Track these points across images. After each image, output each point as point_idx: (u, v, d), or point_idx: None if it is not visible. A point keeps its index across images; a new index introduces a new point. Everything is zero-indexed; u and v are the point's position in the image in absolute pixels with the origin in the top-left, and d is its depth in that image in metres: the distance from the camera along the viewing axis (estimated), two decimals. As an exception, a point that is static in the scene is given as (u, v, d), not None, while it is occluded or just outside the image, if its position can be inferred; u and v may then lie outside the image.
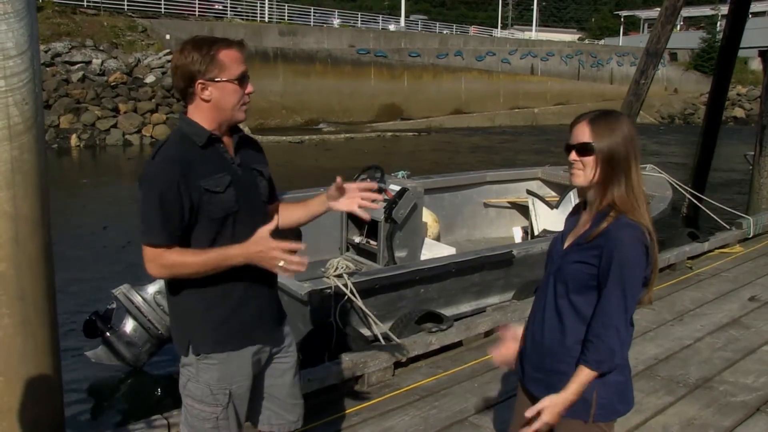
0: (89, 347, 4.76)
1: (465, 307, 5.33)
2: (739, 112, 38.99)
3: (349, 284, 4.36)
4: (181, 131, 2.05)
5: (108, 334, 4.66)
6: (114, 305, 4.71)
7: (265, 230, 1.94)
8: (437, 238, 6.61)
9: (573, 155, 1.93)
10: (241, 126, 2.17)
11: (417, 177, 6.88)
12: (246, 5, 31.32)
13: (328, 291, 4.34)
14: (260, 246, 1.94)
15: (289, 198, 4.77)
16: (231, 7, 30.81)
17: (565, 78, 38.65)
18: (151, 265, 1.97)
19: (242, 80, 2.02)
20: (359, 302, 4.37)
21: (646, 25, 57.20)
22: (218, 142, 2.05)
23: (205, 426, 2.08)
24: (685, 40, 44.48)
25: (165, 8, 27.78)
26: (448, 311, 5.05)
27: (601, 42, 53.26)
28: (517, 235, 7.62)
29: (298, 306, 4.24)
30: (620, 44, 49.95)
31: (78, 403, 4.73)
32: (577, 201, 2.12)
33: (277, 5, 32.59)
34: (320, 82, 28.13)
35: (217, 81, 1.98)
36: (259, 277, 2.02)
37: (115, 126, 20.44)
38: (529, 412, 1.90)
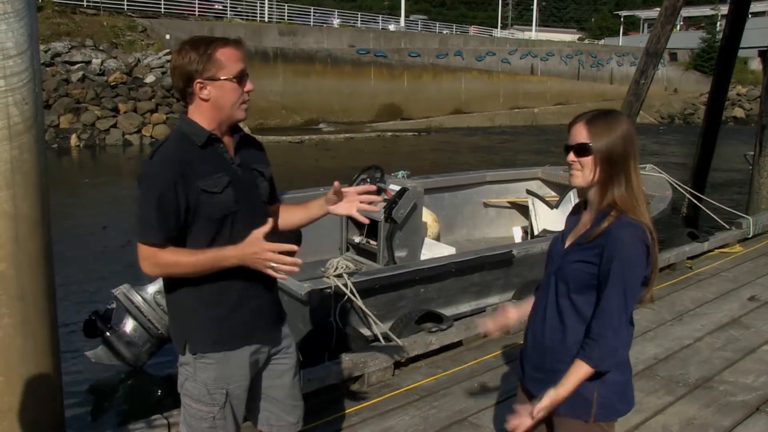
0: (89, 347, 4.76)
1: (465, 307, 5.33)
2: (739, 112, 38.99)
3: (349, 284, 4.36)
4: (180, 131, 2.05)
5: (108, 334, 4.66)
6: (114, 305, 4.71)
7: (259, 232, 1.93)
8: (437, 238, 6.61)
9: (571, 156, 1.93)
10: (241, 126, 2.17)
11: (417, 177, 6.88)
12: (246, 5, 31.32)
13: (328, 291, 4.34)
14: (254, 248, 1.93)
15: (289, 198, 4.77)
16: (231, 7, 30.82)
17: (564, 78, 38.65)
18: (146, 264, 1.98)
19: (241, 78, 2.02)
20: (359, 302, 4.37)
21: (646, 25, 57.21)
22: (218, 142, 2.05)
23: (202, 425, 2.08)
24: (685, 40, 44.50)
25: (165, 8, 27.78)
26: (448, 311, 5.05)
27: (601, 42, 53.28)
28: (517, 235, 7.62)
29: (298, 306, 4.24)
30: (620, 44, 49.96)
31: (78, 403, 4.73)
32: (577, 201, 2.12)
33: (276, 5, 32.59)
34: (320, 82, 28.13)
35: (216, 80, 1.98)
36: (258, 276, 2.01)
37: (114, 126, 20.44)
38: (527, 409, 1.90)
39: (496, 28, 52.40)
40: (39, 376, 2.79)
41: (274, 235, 2.13)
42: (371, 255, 5.95)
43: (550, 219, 6.91)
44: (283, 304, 2.33)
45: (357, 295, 4.37)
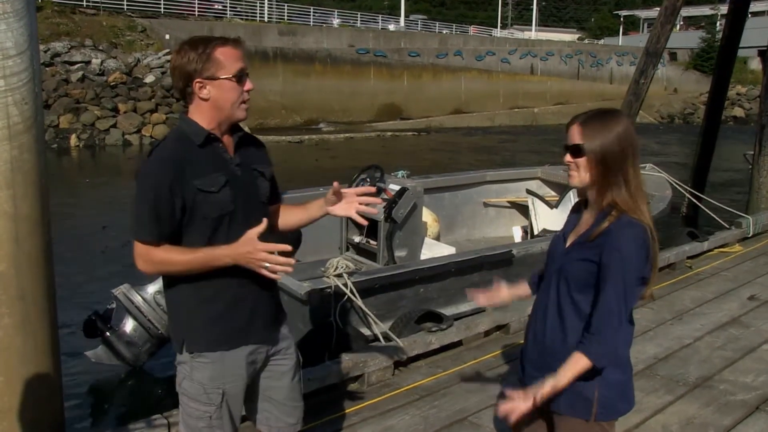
0: (89, 347, 4.76)
1: (465, 307, 5.32)
2: (738, 112, 39.00)
3: (349, 284, 4.35)
4: (179, 130, 2.05)
5: (108, 334, 4.66)
6: (114, 305, 4.71)
7: (253, 232, 1.93)
8: (437, 238, 6.61)
9: (567, 157, 1.93)
10: (241, 126, 2.17)
11: (417, 176, 6.88)
12: (245, 5, 31.33)
13: (328, 290, 4.34)
14: (247, 247, 1.93)
15: (289, 198, 4.76)
16: (230, 6, 30.83)
17: (564, 78, 38.65)
18: (140, 261, 1.99)
19: (240, 77, 2.02)
20: (359, 302, 4.37)
21: (645, 25, 57.18)
22: (217, 141, 2.05)
23: (199, 425, 2.08)
24: (684, 39, 44.49)
25: (164, 8, 27.78)
26: (448, 311, 5.04)
27: (601, 42, 53.29)
28: (517, 234, 7.62)
29: (297, 305, 4.24)
30: (620, 44, 49.96)
31: (78, 403, 4.73)
32: (577, 200, 2.12)
33: (276, 5, 32.59)
34: (320, 81, 28.13)
35: (215, 79, 1.98)
36: (255, 277, 2.01)
37: (114, 126, 20.44)
38: (520, 395, 1.89)
39: (496, 27, 52.42)
40: (39, 376, 2.79)
41: (274, 235, 2.13)
42: (371, 255, 5.95)
43: (550, 219, 6.91)
44: (283, 303, 2.32)
45: (357, 294, 4.37)
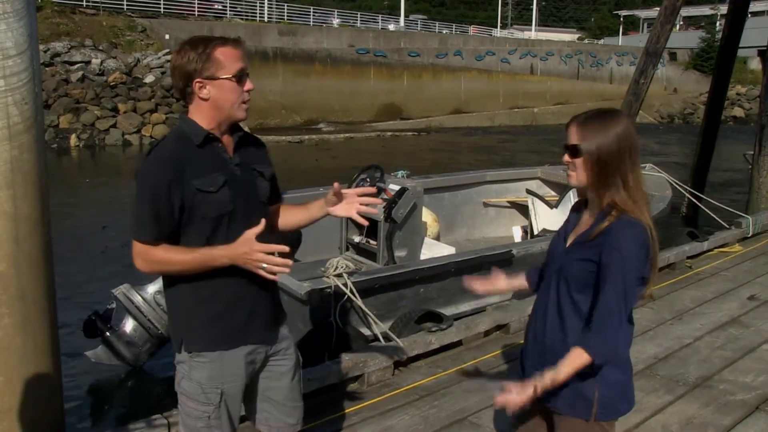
0: (89, 347, 4.76)
1: (465, 307, 5.33)
2: (738, 112, 39.00)
3: (349, 284, 4.36)
4: (179, 130, 2.05)
5: (108, 334, 4.66)
6: (114, 305, 4.71)
7: (251, 232, 1.93)
8: (437, 238, 6.61)
9: (566, 157, 1.93)
10: (241, 125, 2.17)
11: (417, 176, 6.88)
12: (245, 5, 31.32)
13: (328, 290, 4.34)
14: (245, 247, 1.93)
15: (289, 198, 4.76)
16: (230, 6, 30.82)
17: (564, 78, 38.64)
18: (138, 260, 2.00)
19: (240, 77, 2.02)
20: (359, 302, 4.37)
21: (645, 25, 57.16)
22: (216, 141, 2.05)
23: (198, 425, 2.08)
24: (684, 39, 44.49)
25: (164, 8, 27.78)
26: (447, 311, 5.04)
27: (601, 42, 53.28)
28: (517, 234, 7.62)
29: (297, 305, 4.24)
30: (620, 44, 49.94)
31: (78, 403, 4.73)
32: (577, 200, 2.12)
33: (276, 5, 32.58)
34: (320, 81, 28.13)
35: (215, 79, 1.98)
36: (253, 277, 2.00)
37: (114, 126, 20.44)
38: (517, 387, 1.89)
39: (496, 27, 52.41)
40: (39, 376, 2.79)
41: (274, 235, 2.13)
42: (371, 255, 5.95)
43: (549, 218, 6.91)
44: (283, 303, 2.32)
45: (357, 294, 4.37)
